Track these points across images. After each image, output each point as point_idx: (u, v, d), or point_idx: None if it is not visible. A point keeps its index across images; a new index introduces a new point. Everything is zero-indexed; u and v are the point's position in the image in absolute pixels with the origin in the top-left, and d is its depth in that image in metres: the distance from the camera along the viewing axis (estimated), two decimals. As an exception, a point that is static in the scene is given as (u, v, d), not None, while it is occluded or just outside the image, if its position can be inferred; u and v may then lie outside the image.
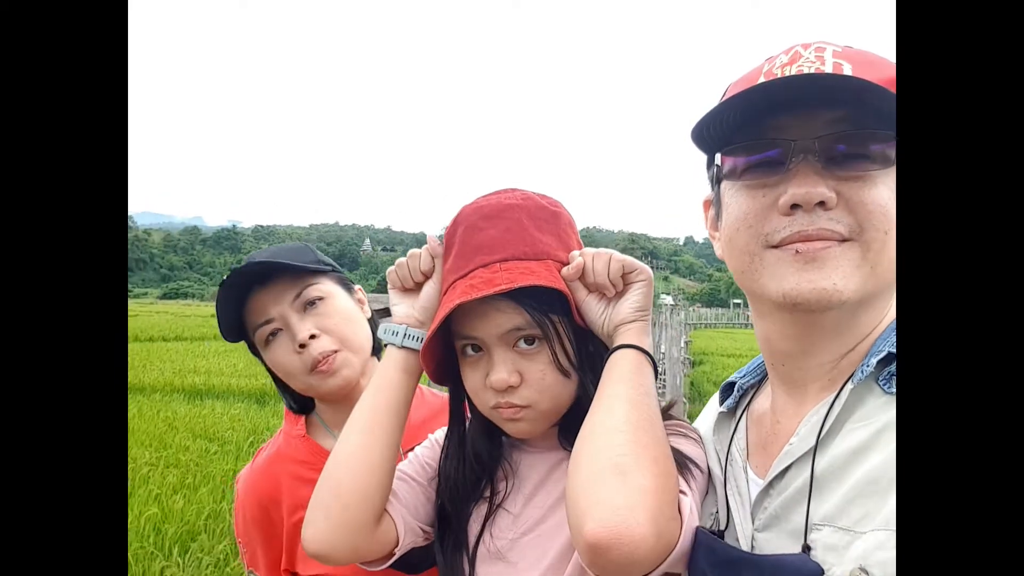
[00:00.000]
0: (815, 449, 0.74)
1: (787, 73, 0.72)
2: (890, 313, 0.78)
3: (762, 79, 0.74)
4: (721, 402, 0.98)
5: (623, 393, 0.84)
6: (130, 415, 9.55)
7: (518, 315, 0.90)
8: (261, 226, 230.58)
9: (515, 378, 0.91)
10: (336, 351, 1.23)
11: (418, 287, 1.05)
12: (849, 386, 0.74)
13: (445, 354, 1.02)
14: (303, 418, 1.36)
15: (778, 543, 0.76)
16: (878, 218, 0.71)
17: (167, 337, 25.77)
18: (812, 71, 0.71)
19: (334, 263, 1.34)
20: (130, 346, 22.42)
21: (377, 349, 1.35)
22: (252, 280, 1.23)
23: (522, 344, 0.92)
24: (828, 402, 0.76)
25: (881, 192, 0.71)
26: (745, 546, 0.81)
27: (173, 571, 4.41)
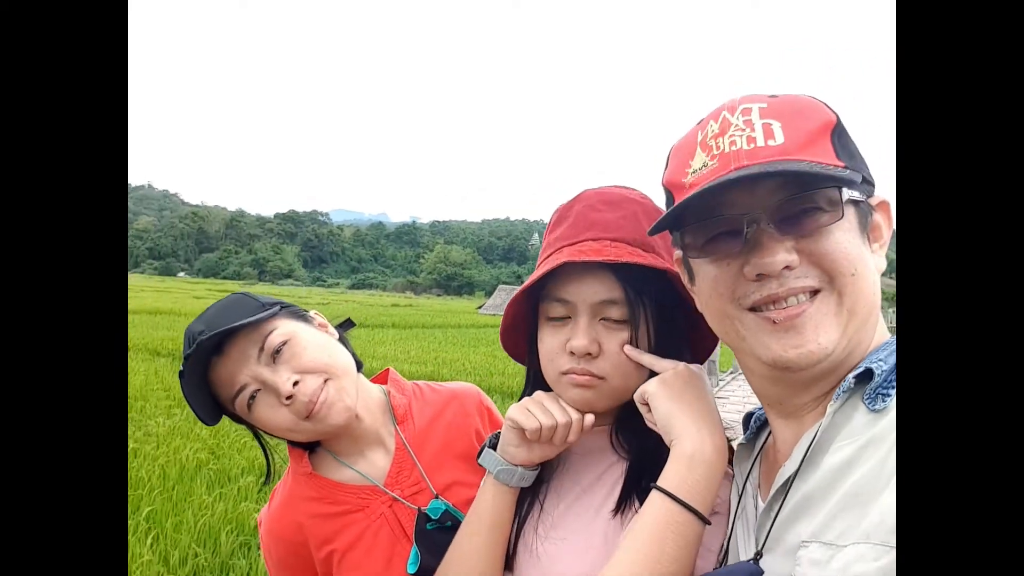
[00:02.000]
0: (797, 469, 0.77)
1: (720, 145, 0.75)
2: (876, 339, 0.80)
3: (699, 152, 0.78)
4: (744, 430, 0.99)
5: (636, 562, 0.86)
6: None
7: (615, 289, 0.95)
8: (438, 221, 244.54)
9: (595, 347, 0.95)
10: (325, 382, 1.15)
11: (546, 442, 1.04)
12: (832, 407, 0.76)
13: (521, 324, 1.07)
14: (306, 454, 1.28)
15: (776, 563, 0.77)
16: (842, 264, 0.74)
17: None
18: (744, 140, 0.74)
19: (279, 300, 1.25)
20: (321, 331, 24.27)
21: (360, 365, 1.28)
22: (208, 355, 1.13)
23: (608, 320, 0.96)
24: (816, 428, 0.77)
25: (838, 238, 0.74)
26: None
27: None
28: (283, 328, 1.17)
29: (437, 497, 1.21)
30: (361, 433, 1.25)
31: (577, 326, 0.96)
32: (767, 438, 0.93)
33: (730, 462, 0.96)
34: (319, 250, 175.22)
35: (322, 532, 1.21)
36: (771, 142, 0.73)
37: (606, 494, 1.02)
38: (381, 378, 1.41)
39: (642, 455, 0.99)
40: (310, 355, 1.15)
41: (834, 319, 0.74)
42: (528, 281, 0.99)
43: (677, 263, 0.92)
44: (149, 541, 4.41)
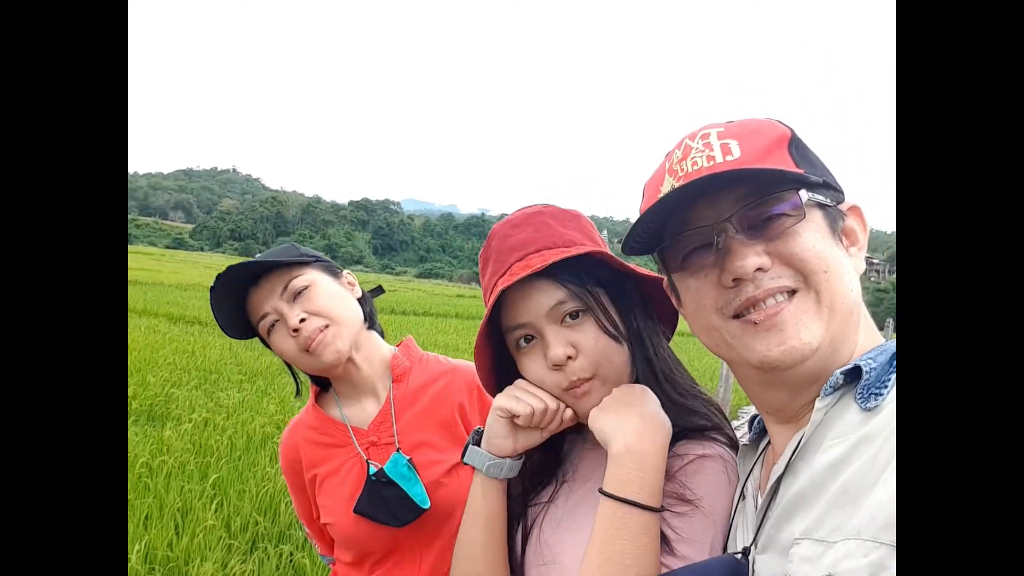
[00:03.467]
0: (785, 468, 0.80)
1: (684, 168, 0.80)
2: (864, 344, 0.82)
3: (667, 177, 0.83)
4: (750, 431, 1.01)
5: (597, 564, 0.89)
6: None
7: (558, 290, 0.98)
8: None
9: (570, 350, 0.97)
10: (326, 326, 1.37)
11: (535, 430, 1.06)
12: (820, 403, 0.78)
13: (497, 365, 1.09)
14: (317, 390, 1.55)
15: (771, 562, 0.79)
16: (813, 263, 0.77)
17: (417, 312, 28.45)
18: (704, 158, 0.79)
19: (318, 254, 1.47)
20: (388, 318, 24.90)
21: (372, 322, 1.51)
22: (246, 283, 1.39)
23: (569, 319, 0.98)
24: (814, 423, 0.78)
25: (806, 238, 0.78)
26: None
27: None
28: (309, 276, 1.40)
29: (398, 451, 1.40)
30: (359, 381, 1.48)
31: (546, 339, 0.99)
32: (768, 441, 0.94)
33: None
34: (389, 238, 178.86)
35: (311, 457, 1.48)
36: (729, 157, 0.78)
37: None
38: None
39: None
40: (321, 302, 1.38)
41: (815, 316, 0.77)
42: (481, 324, 1.02)
43: (666, 288, 0.97)
44: (214, 507, 4.62)
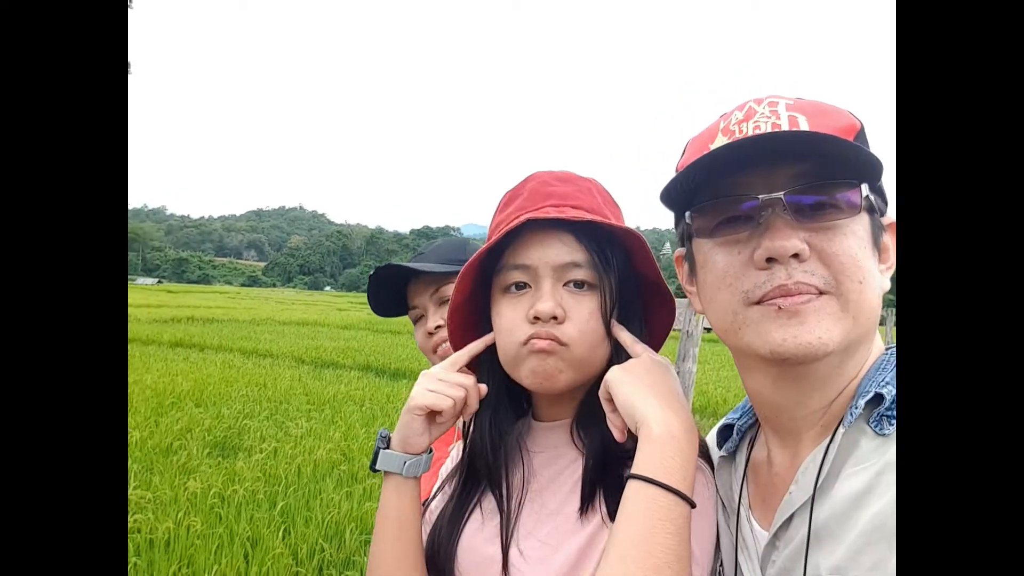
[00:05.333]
0: (812, 498, 0.74)
1: (744, 130, 0.74)
2: (873, 353, 0.78)
3: (720, 136, 0.77)
4: (720, 445, 0.95)
5: (628, 556, 0.76)
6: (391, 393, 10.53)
7: (579, 252, 0.90)
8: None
9: (560, 311, 0.89)
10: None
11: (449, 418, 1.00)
12: (841, 431, 0.74)
13: (471, 314, 1.02)
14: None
15: None
16: (851, 269, 0.72)
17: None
18: (768, 126, 0.73)
19: None
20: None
21: None
22: (410, 273, 1.52)
23: (573, 286, 0.91)
24: (823, 448, 0.75)
25: (851, 242, 0.72)
26: None
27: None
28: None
29: None
30: None
31: (540, 290, 0.90)
32: (750, 452, 0.89)
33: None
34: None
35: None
36: (796, 130, 0.72)
37: (567, 493, 0.94)
38: None
39: (604, 449, 0.91)
40: None
41: (837, 320, 0.72)
42: (488, 242, 0.92)
43: (677, 261, 0.91)
44: (281, 534, 4.69)
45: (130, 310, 30.56)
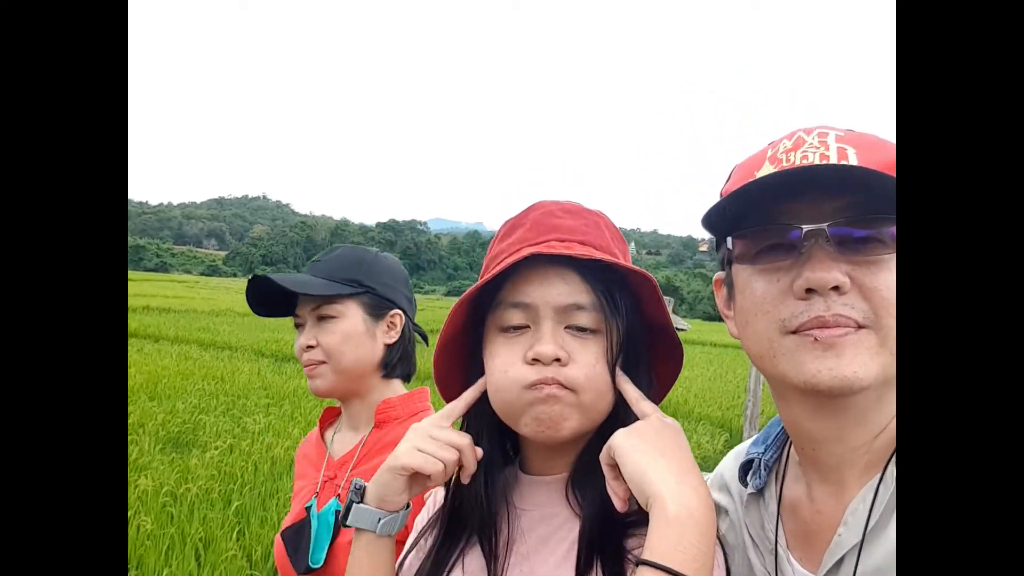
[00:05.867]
0: (861, 544, 0.72)
1: (792, 159, 0.74)
2: None
3: (767, 164, 0.76)
4: (741, 478, 0.92)
5: None
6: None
7: (584, 293, 0.83)
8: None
9: (563, 354, 0.81)
10: (321, 363, 1.40)
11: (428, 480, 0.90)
12: (892, 470, 0.72)
13: (459, 351, 0.93)
14: (335, 408, 1.57)
15: None
16: (891, 305, 0.70)
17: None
18: (818, 156, 0.73)
19: (372, 285, 1.43)
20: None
21: (392, 370, 1.47)
22: (296, 287, 1.41)
23: (575, 330, 0.83)
24: (872, 487, 0.73)
25: (892, 277, 0.71)
26: None
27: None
28: (342, 307, 1.40)
29: (336, 497, 1.36)
30: (351, 415, 1.48)
31: (541, 332, 0.82)
32: (780, 488, 0.85)
33: None
34: (417, 258, 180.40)
35: (299, 468, 1.55)
36: (844, 163, 0.71)
37: (559, 560, 0.85)
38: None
39: (604, 513, 0.83)
40: (333, 340, 1.39)
41: (875, 355, 0.70)
42: (487, 276, 0.84)
43: (716, 285, 0.88)
44: (235, 535, 4.58)
45: (83, 298, 29.57)
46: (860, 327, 0.70)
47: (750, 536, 0.88)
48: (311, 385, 1.42)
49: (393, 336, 1.45)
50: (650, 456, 0.77)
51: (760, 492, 0.88)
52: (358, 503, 0.90)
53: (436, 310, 52.47)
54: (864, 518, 0.72)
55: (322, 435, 1.54)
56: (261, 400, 9.61)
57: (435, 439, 0.87)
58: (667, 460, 0.77)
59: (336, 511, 1.31)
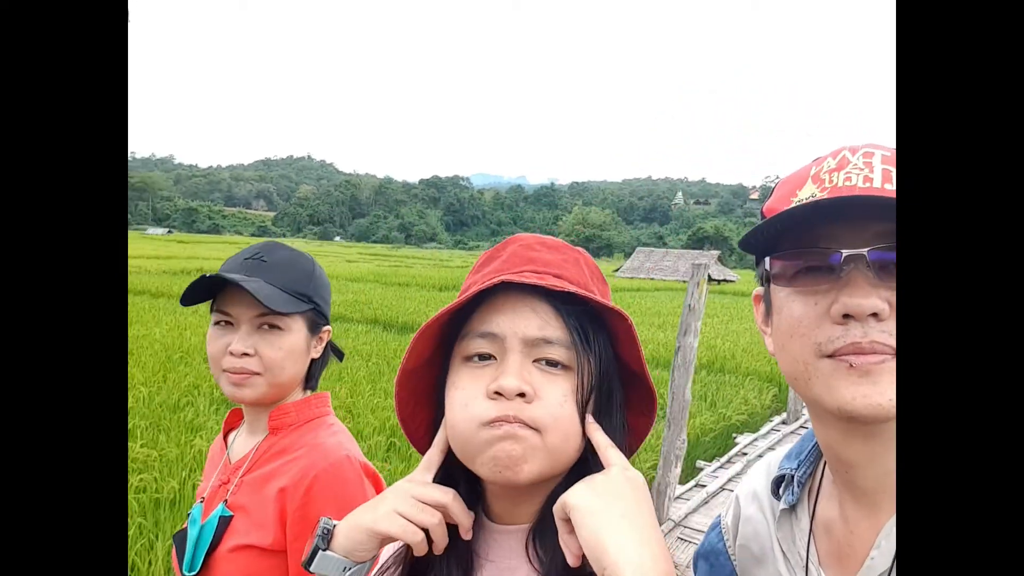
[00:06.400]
0: (891, 570, 0.73)
1: (835, 180, 0.74)
2: None
3: (809, 183, 0.76)
4: (774, 491, 0.92)
5: None
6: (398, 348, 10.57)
7: (556, 327, 0.78)
8: (577, 183, 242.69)
9: (528, 389, 0.76)
10: (256, 374, 1.31)
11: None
12: None
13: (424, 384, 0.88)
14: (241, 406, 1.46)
15: None
16: None
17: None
18: (861, 179, 0.72)
19: (318, 301, 1.38)
20: (455, 294, 25.19)
21: (308, 384, 1.43)
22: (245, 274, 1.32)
23: (545, 364, 0.78)
24: None
25: None
26: None
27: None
28: (290, 322, 1.34)
29: (224, 503, 1.31)
30: (254, 419, 1.41)
31: (506, 364, 0.76)
32: (814, 506, 0.85)
33: None
34: (460, 214, 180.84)
35: (206, 467, 1.49)
36: (888, 186, 0.70)
37: None
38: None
39: (565, 569, 0.76)
40: (277, 355, 1.32)
41: None
42: (453, 303, 0.79)
43: (755, 300, 0.87)
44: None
45: (140, 261, 30.71)
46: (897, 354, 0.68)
47: (781, 550, 0.87)
48: (235, 393, 1.31)
49: (319, 351, 1.41)
50: (609, 518, 0.70)
51: (793, 508, 0.87)
52: (324, 551, 0.83)
53: (480, 266, 52.71)
54: (895, 543, 0.71)
55: (225, 437, 1.48)
56: (309, 360, 9.83)
57: (409, 499, 0.80)
58: (627, 523, 0.69)
59: (221, 517, 1.29)
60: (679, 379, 5.30)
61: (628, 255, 64.00)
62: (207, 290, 1.31)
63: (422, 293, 23.34)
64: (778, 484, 0.89)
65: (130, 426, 6.24)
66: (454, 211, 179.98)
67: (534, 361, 0.78)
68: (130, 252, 37.77)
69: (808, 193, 0.74)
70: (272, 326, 1.31)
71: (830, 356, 0.70)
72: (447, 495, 0.81)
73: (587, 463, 0.78)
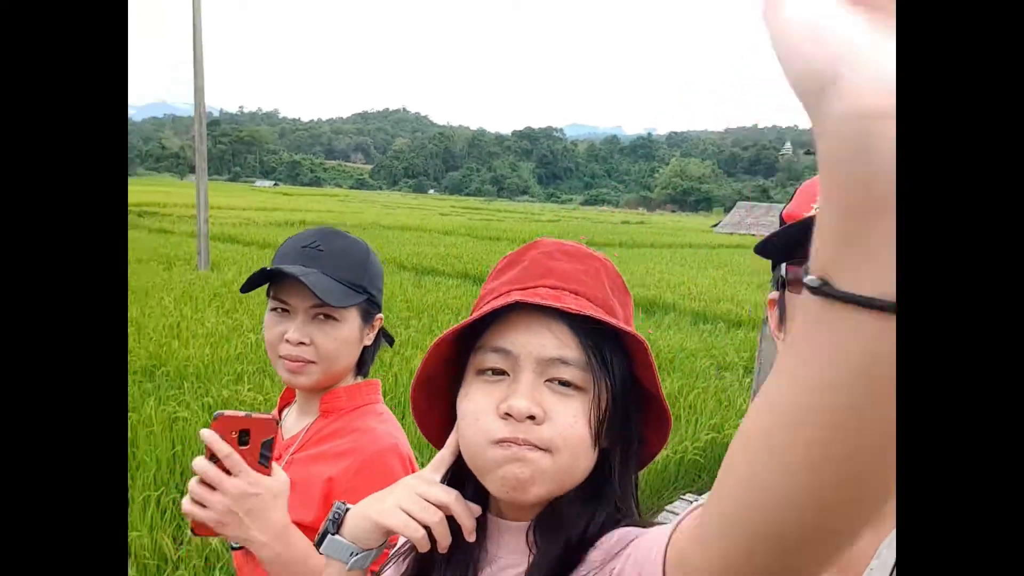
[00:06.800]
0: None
1: None
2: None
3: None
4: None
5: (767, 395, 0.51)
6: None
7: (570, 347, 0.77)
8: (675, 133, 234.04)
9: (539, 410, 0.75)
10: (311, 363, 1.34)
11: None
12: None
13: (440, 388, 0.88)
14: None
15: None
16: None
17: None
18: None
19: (372, 291, 1.40)
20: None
21: (360, 371, 1.46)
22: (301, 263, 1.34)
23: (558, 384, 0.77)
24: None
25: None
26: None
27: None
28: (345, 312, 1.36)
29: None
30: (305, 400, 1.45)
31: (518, 383, 0.76)
32: None
33: None
34: (553, 166, 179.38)
35: None
36: None
37: None
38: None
39: (561, 560, 0.76)
40: (332, 345, 1.35)
41: None
42: (466, 320, 0.80)
43: (770, 305, 0.88)
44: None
45: (249, 213, 32.46)
46: None
47: None
48: (291, 379, 1.36)
49: (371, 338, 1.44)
50: None
51: None
52: (333, 534, 0.86)
53: (570, 221, 52.41)
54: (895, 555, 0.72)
55: (280, 411, 1.53)
56: (402, 313, 10.13)
57: (412, 496, 0.81)
58: None
59: None
60: (767, 349, 5.03)
61: (728, 210, 61.49)
62: (265, 276, 1.36)
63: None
64: None
65: (239, 371, 6.67)
66: (547, 163, 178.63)
67: (547, 380, 0.77)
68: (240, 204, 39.98)
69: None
70: (327, 316, 1.34)
71: None
72: (450, 495, 0.81)
73: (597, 482, 0.79)
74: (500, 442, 0.75)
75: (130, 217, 25.94)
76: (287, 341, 1.33)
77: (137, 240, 18.01)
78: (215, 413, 0.97)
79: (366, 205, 55.89)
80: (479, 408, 0.77)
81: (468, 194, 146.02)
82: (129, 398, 5.76)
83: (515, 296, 0.77)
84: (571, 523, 0.77)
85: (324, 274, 1.32)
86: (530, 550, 0.81)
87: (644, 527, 0.75)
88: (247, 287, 1.36)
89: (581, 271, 0.82)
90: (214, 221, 23.58)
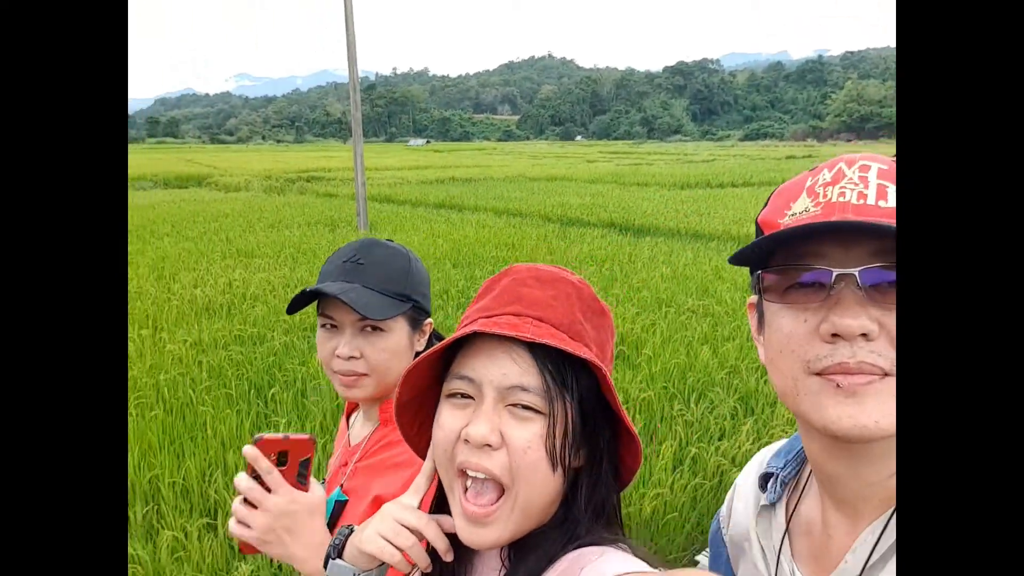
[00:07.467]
0: (861, 574, 0.76)
1: (829, 194, 0.76)
2: None
3: (804, 196, 0.78)
4: (761, 485, 0.95)
5: None
6: (682, 263, 10.04)
7: (531, 375, 0.81)
8: (850, 52, 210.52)
9: (495, 437, 0.80)
10: (364, 376, 1.37)
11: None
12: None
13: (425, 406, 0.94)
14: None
15: None
16: None
17: (736, 183, 26.20)
18: (855, 195, 0.74)
19: (417, 298, 1.40)
20: (702, 193, 23.68)
21: None
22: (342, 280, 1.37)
23: (520, 409, 0.81)
24: (883, 521, 0.76)
25: None
26: None
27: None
28: (392, 323, 1.37)
29: (340, 488, 1.39)
30: (368, 407, 1.47)
31: (480, 410, 0.81)
32: (796, 504, 0.88)
33: None
34: (709, 101, 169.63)
35: (338, 434, 1.61)
36: (882, 203, 0.72)
37: None
38: None
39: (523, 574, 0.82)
40: (381, 357, 1.36)
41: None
42: (430, 351, 0.84)
43: (750, 308, 0.89)
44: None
45: (402, 172, 33.93)
46: (886, 375, 0.70)
47: (759, 544, 0.92)
48: (347, 393, 1.39)
49: (422, 344, 1.46)
50: None
51: (773, 505, 0.91)
52: (334, 559, 0.92)
53: (727, 159, 49.25)
54: (869, 550, 0.75)
55: (348, 416, 1.57)
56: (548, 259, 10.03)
57: (392, 523, 0.86)
58: None
59: (337, 501, 1.38)
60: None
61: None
62: (308, 297, 1.39)
63: (661, 193, 22.44)
64: (765, 480, 0.93)
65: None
66: (702, 99, 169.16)
67: (509, 404, 0.80)
68: (395, 164, 41.92)
69: (802, 207, 0.76)
70: (375, 328, 1.36)
71: (818, 374, 0.72)
72: (421, 520, 0.86)
73: (567, 514, 0.82)
74: (461, 472, 0.80)
75: (298, 183, 28.19)
76: (338, 356, 1.37)
77: (307, 204, 19.49)
78: (255, 436, 0.99)
79: (512, 157, 56.25)
80: (447, 430, 0.82)
81: (616, 137, 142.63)
82: (299, 354, 6.20)
83: (474, 327, 0.80)
84: (536, 543, 0.80)
85: (366, 287, 1.35)
86: (503, 565, 0.85)
87: (610, 544, 0.79)
88: (292, 308, 1.40)
89: (550, 297, 0.84)
90: (371, 182, 24.90)
